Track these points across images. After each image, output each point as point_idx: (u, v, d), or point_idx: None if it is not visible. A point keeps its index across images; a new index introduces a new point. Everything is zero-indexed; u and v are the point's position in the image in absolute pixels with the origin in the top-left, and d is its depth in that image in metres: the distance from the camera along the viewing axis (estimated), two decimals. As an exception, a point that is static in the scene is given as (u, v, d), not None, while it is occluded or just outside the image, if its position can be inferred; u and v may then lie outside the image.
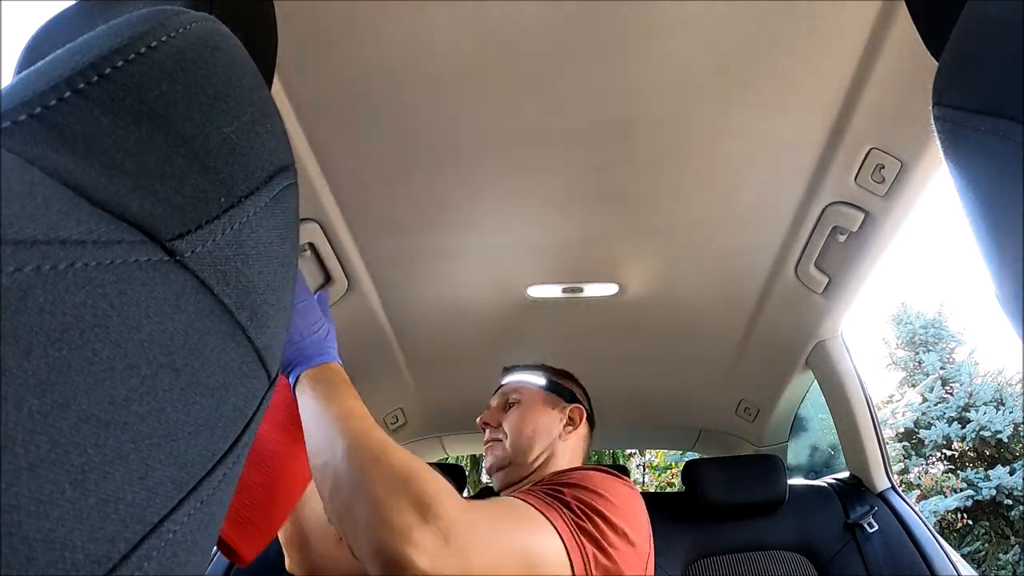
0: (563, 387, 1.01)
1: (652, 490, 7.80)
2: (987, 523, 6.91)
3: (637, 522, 0.73)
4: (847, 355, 1.29)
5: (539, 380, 1.00)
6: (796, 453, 1.81)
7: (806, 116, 0.85)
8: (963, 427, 7.23)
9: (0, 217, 0.17)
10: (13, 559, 0.15)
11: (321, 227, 1.04)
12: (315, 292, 1.18)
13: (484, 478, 7.60)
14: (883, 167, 0.88)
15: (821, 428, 1.73)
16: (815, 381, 1.40)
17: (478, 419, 0.98)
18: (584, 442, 1.00)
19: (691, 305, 1.32)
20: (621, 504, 0.71)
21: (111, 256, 0.20)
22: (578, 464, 0.97)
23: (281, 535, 0.82)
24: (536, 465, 0.92)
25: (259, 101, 0.28)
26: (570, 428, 0.97)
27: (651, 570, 0.76)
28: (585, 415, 1.00)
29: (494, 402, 1.01)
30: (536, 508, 0.63)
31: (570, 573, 0.61)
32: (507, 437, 0.94)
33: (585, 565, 0.62)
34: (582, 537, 0.64)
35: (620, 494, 0.73)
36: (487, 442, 0.97)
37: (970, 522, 6.99)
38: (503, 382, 1.04)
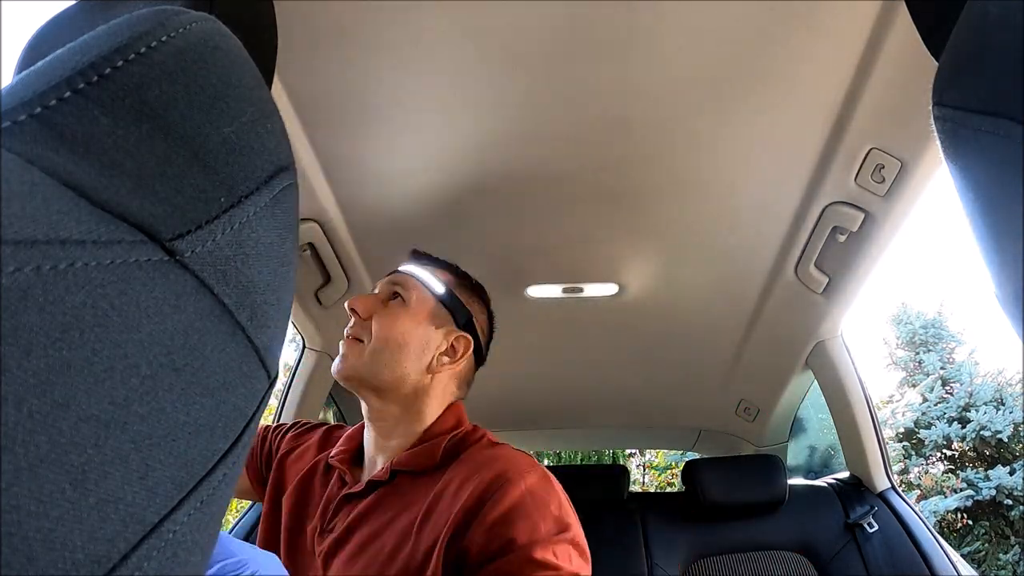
0: (461, 304, 0.81)
1: (652, 490, 7.80)
2: (987, 523, 6.91)
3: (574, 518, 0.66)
4: (847, 355, 1.29)
5: (437, 286, 0.80)
6: (796, 453, 1.81)
7: (806, 116, 0.85)
8: (963, 427, 7.23)
9: (0, 217, 0.17)
10: (13, 559, 0.15)
11: (321, 227, 1.04)
12: (314, 292, 1.18)
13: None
14: (883, 167, 0.88)
15: (821, 428, 1.73)
16: (815, 381, 1.40)
17: (347, 303, 0.79)
18: (458, 381, 0.81)
19: (691, 305, 1.32)
20: (570, 517, 0.65)
21: (111, 256, 0.20)
22: (448, 409, 0.79)
23: None
24: (391, 391, 0.75)
25: (259, 101, 0.28)
26: (446, 360, 0.78)
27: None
28: (472, 348, 0.81)
29: (378, 288, 0.81)
30: None
31: None
32: (370, 340, 0.76)
33: None
34: None
35: (561, 505, 0.65)
36: (347, 336, 0.78)
37: (970, 522, 6.99)
38: (400, 268, 0.83)
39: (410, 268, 0.82)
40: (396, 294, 0.79)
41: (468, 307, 0.82)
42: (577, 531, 0.65)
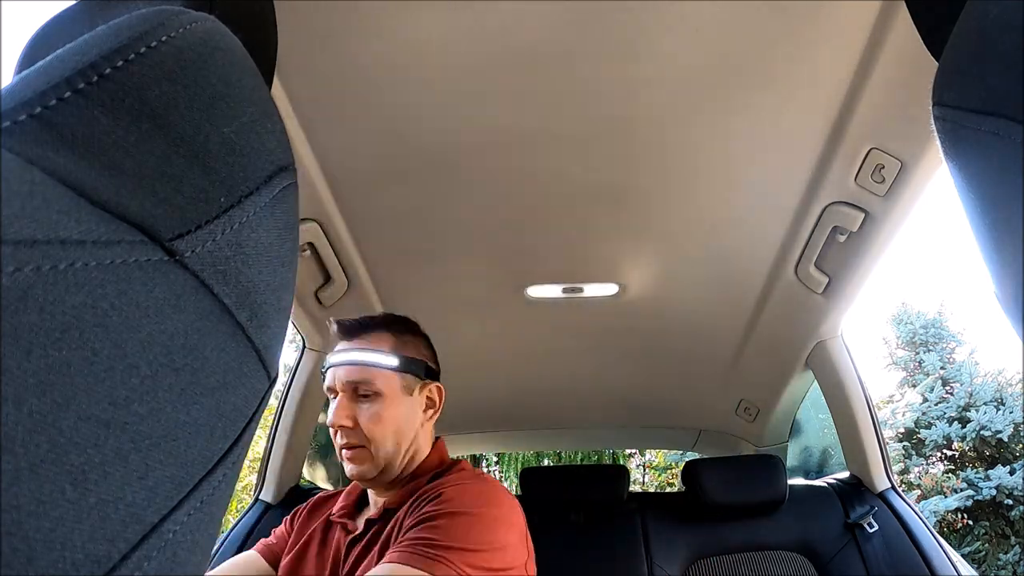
0: (415, 360, 0.86)
1: (652, 490, 7.80)
2: (987, 523, 6.90)
3: (507, 537, 0.74)
4: (847, 355, 1.29)
5: (390, 360, 0.84)
6: (794, 453, 1.81)
7: (806, 116, 0.85)
8: (963, 427, 7.22)
9: (0, 217, 0.17)
10: (13, 559, 0.15)
11: (321, 227, 1.04)
12: (314, 292, 1.18)
13: (484, 478, 7.61)
14: (883, 167, 0.88)
15: (820, 428, 1.73)
16: (815, 381, 1.40)
17: (331, 421, 0.83)
18: (436, 415, 0.89)
19: (691, 305, 1.32)
20: (492, 528, 0.72)
21: (111, 256, 0.20)
22: (433, 448, 0.88)
23: None
24: (403, 468, 0.84)
25: (259, 101, 0.28)
26: (431, 411, 0.87)
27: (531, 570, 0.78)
28: (440, 387, 0.89)
29: (340, 389, 0.84)
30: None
31: None
32: (370, 443, 0.81)
33: None
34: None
35: (489, 516, 0.73)
36: (345, 447, 0.83)
37: (970, 522, 6.99)
38: (348, 358, 0.84)
39: (355, 356, 0.84)
40: (360, 392, 0.83)
41: (417, 353, 0.88)
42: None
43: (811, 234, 1.07)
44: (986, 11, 0.27)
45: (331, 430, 0.84)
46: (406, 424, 0.84)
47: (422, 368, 0.87)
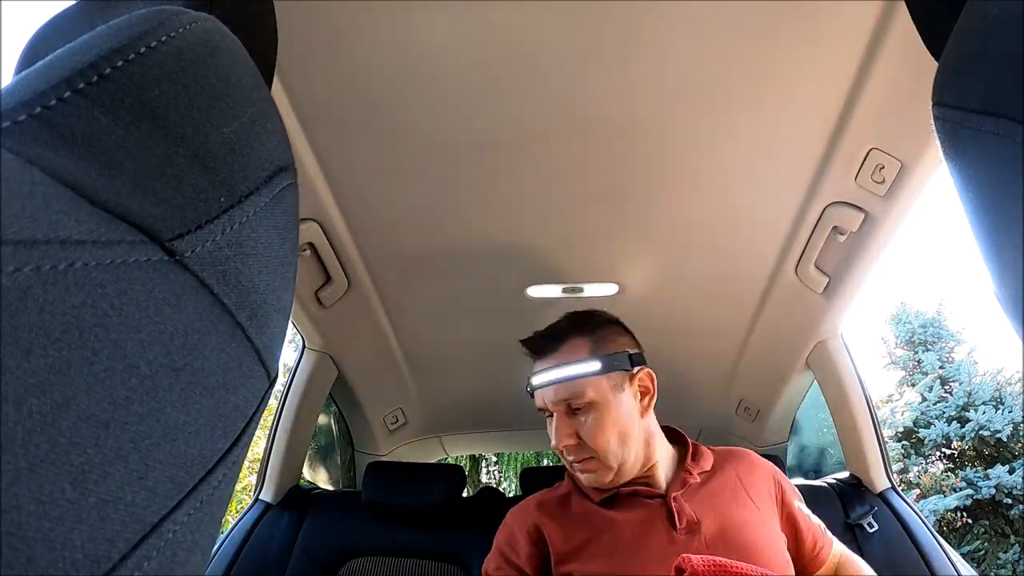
0: (617, 355, 0.84)
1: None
2: (987, 522, 6.91)
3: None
4: (847, 355, 1.29)
5: (592, 366, 0.82)
6: (793, 453, 1.81)
7: (806, 116, 0.85)
8: (962, 426, 7.22)
9: (0, 217, 0.17)
10: (13, 559, 0.15)
11: (321, 227, 1.04)
12: (314, 292, 1.18)
13: (484, 478, 7.58)
14: (883, 167, 0.88)
15: (820, 428, 1.73)
16: (815, 381, 1.40)
17: (554, 444, 0.83)
18: (654, 399, 0.88)
19: (691, 305, 1.32)
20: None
21: (111, 256, 0.20)
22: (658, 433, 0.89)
23: None
24: (644, 459, 0.83)
25: (259, 101, 0.28)
26: (648, 398, 0.86)
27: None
28: (650, 370, 0.87)
29: (553, 409, 0.83)
30: None
31: None
32: (598, 453, 0.81)
33: None
34: None
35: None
36: (575, 463, 0.83)
37: (969, 521, 6.99)
38: (551, 378, 0.83)
39: (553, 373, 0.83)
40: (573, 407, 0.82)
41: (616, 346, 0.86)
42: None
43: (811, 234, 1.07)
44: (986, 11, 0.27)
45: (556, 451, 0.84)
46: (628, 422, 0.82)
47: (626, 360, 0.85)
